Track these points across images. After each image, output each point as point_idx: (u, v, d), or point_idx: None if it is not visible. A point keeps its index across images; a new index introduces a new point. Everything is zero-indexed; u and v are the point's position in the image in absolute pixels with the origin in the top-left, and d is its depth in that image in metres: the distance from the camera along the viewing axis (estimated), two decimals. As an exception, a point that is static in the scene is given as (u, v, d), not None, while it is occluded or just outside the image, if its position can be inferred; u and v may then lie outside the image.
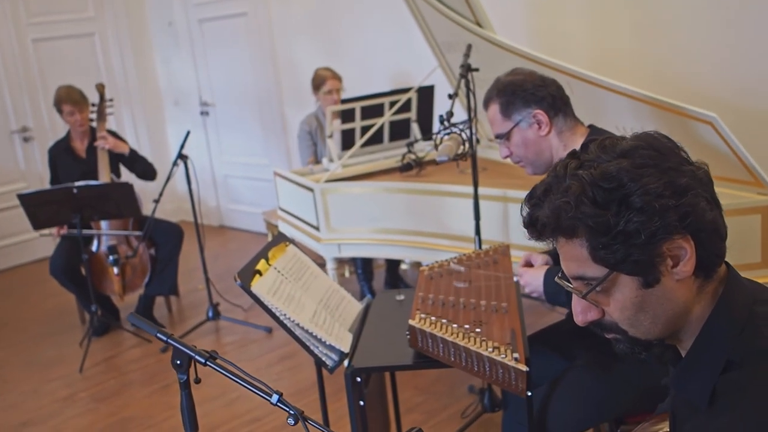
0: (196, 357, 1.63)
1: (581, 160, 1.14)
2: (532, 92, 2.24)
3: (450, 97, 2.76)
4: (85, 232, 4.40)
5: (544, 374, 2.36)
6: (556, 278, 1.29)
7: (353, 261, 4.78)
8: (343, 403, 2.95)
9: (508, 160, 3.97)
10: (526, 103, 2.25)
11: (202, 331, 4.61)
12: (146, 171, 4.80)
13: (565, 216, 1.11)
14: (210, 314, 4.68)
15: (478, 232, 3.10)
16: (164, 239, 4.66)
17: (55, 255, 4.61)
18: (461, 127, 2.68)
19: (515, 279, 2.42)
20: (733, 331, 1.12)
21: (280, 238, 2.59)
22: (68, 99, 4.58)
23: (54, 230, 4.56)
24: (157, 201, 4.31)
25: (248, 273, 2.30)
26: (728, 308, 1.14)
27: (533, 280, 2.28)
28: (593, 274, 1.14)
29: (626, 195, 1.07)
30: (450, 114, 2.63)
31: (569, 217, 1.11)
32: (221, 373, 1.63)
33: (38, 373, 4.32)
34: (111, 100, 4.83)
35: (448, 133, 2.61)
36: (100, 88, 4.77)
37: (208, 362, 1.63)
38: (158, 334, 1.66)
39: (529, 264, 2.39)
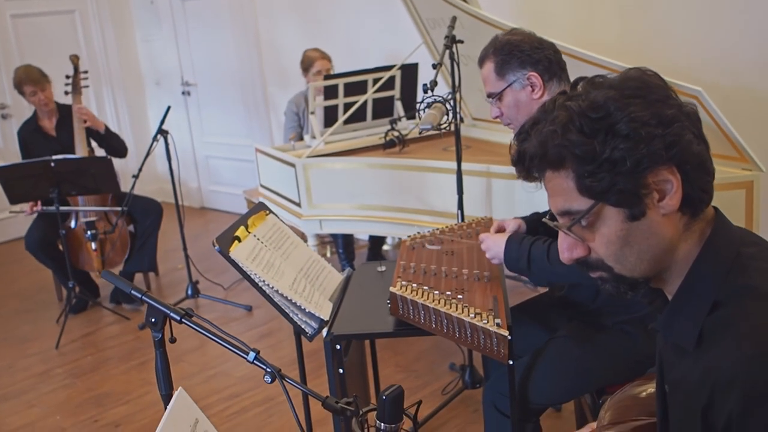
0: (171, 314, 1.59)
1: (570, 95, 1.12)
2: (528, 53, 2.20)
3: (434, 66, 2.73)
4: (63, 208, 4.33)
5: (525, 345, 2.34)
6: (543, 219, 1.26)
7: (334, 240, 4.75)
8: (323, 379, 2.92)
9: (492, 138, 4.01)
10: (521, 64, 2.21)
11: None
12: (118, 149, 4.72)
13: (552, 144, 1.10)
14: (189, 292, 4.63)
15: (461, 206, 3.07)
16: (143, 215, 4.60)
17: (30, 230, 4.54)
18: (445, 97, 2.64)
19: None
20: (720, 271, 1.10)
21: (260, 207, 2.54)
22: (28, 79, 4.49)
23: (27, 208, 4.47)
24: (136, 176, 4.26)
25: (227, 239, 2.25)
26: (715, 249, 1.12)
27: (494, 245, 2.23)
28: (579, 207, 1.12)
29: (613, 123, 1.07)
30: (434, 83, 2.59)
31: (556, 145, 1.09)
32: (197, 330, 1.60)
33: (13, 349, 4.26)
34: (86, 72, 4.74)
35: (431, 103, 2.57)
36: (74, 60, 4.68)
37: (183, 319, 1.59)
38: (132, 291, 1.62)
39: (501, 230, 2.36)
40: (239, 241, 2.29)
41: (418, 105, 2.59)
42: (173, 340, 1.68)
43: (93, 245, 4.33)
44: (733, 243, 1.13)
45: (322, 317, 2.23)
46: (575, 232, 1.15)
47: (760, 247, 1.15)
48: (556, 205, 1.16)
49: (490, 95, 2.31)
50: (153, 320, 1.61)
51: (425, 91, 2.60)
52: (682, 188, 1.09)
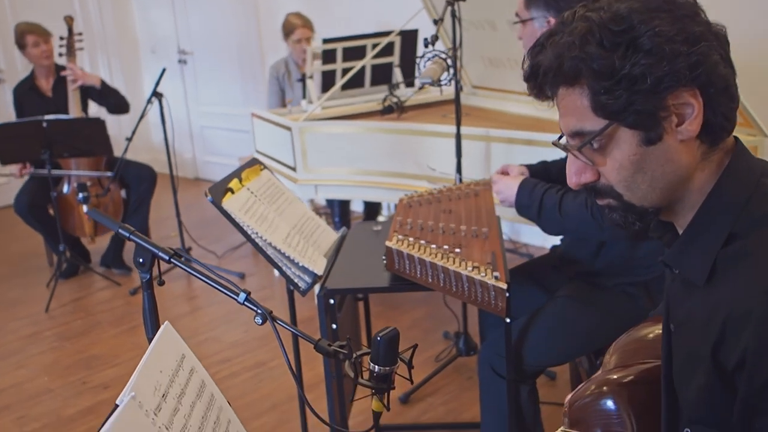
0: (159, 254, 1.53)
1: (591, 6, 1.05)
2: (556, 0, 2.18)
3: (435, 22, 2.67)
4: (55, 172, 4.26)
5: (523, 307, 2.29)
6: (552, 142, 1.19)
7: (330, 208, 4.69)
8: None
9: (492, 106, 3.94)
10: (546, 5, 2.19)
11: (172, 274, 4.49)
12: (119, 104, 4.62)
13: (569, 57, 1.02)
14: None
15: (459, 170, 3.01)
16: (136, 181, 4.53)
17: (20, 193, 4.47)
18: (445, 53, 2.58)
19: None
20: (738, 202, 1.04)
21: (254, 162, 2.48)
22: (31, 30, 4.41)
23: (15, 170, 4.40)
24: (129, 139, 4.19)
25: (219, 190, 2.19)
26: (734, 178, 1.06)
27: (506, 188, 2.22)
28: (592, 127, 1.06)
29: (635, 37, 0.99)
30: (435, 38, 2.53)
31: (572, 58, 1.02)
32: (186, 270, 1.54)
33: (2, 313, 4.20)
34: (80, 34, 4.66)
35: (432, 58, 2.51)
36: (69, 21, 4.59)
37: (172, 259, 1.53)
38: (120, 230, 1.55)
39: (504, 173, 2.34)
40: (232, 192, 2.24)
41: (417, 60, 2.53)
42: (161, 282, 1.62)
43: (85, 208, 4.26)
44: (753, 172, 1.07)
45: (315, 272, 2.18)
46: (585, 154, 1.09)
47: None
48: (568, 126, 1.09)
49: (517, 14, 2.29)
50: (141, 260, 1.55)
51: (426, 46, 2.54)
52: (703, 113, 1.02)
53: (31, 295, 4.42)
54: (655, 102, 1.01)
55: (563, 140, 1.15)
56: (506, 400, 2.07)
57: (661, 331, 1.24)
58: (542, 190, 2.13)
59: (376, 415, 1.43)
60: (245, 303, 1.49)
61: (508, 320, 1.99)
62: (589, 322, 2.14)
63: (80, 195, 4.20)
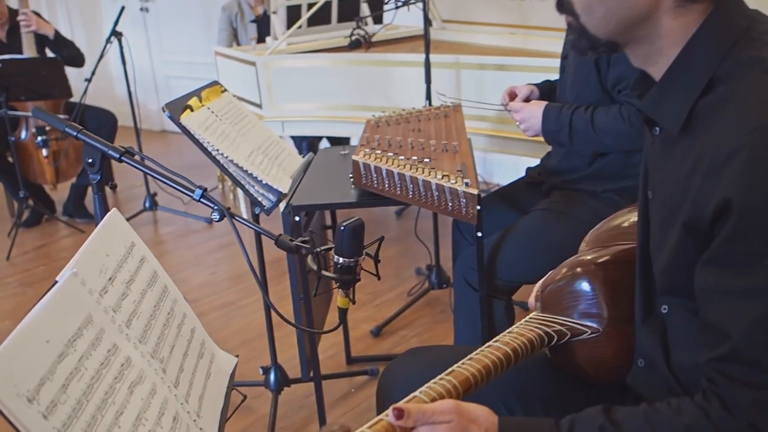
0: (109, 152, 1.45)
1: None
2: None
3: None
4: (11, 113, 4.10)
5: (497, 227, 2.24)
6: None
7: (298, 149, 4.59)
8: (285, 285, 2.80)
9: (462, 39, 3.85)
10: None
11: (139, 221, 4.39)
12: (74, 56, 4.45)
13: None
14: (147, 204, 4.46)
15: (428, 96, 2.93)
16: (96, 125, 4.36)
17: (-25, 139, 4.31)
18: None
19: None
20: (723, 44, 0.97)
21: (215, 83, 2.38)
22: None
23: None
24: (89, 80, 4.04)
25: (178, 106, 2.09)
26: (721, 20, 0.98)
27: (530, 116, 2.14)
28: None
29: None
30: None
31: None
32: (137, 168, 1.45)
33: (-39, 261, 4.08)
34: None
35: (403, 4, 2.42)
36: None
37: (122, 157, 1.45)
38: (66, 129, 1.46)
39: (514, 95, 2.25)
40: (191, 110, 2.14)
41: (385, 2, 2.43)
42: (113, 186, 1.54)
43: (44, 152, 4.12)
44: (744, 16, 1.00)
45: (280, 190, 2.09)
46: None
47: None
48: None
49: None
50: (90, 161, 1.47)
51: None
52: None
53: (-9, 244, 4.30)
54: None
55: None
56: (479, 313, 2.02)
57: (636, 219, 1.18)
58: (569, 112, 2.06)
59: (342, 312, 1.37)
60: (201, 200, 1.41)
61: (479, 234, 1.94)
62: (566, 234, 2.07)
63: (39, 139, 4.07)
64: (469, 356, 1.12)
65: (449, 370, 1.08)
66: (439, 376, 1.06)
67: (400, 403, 0.96)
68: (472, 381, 1.06)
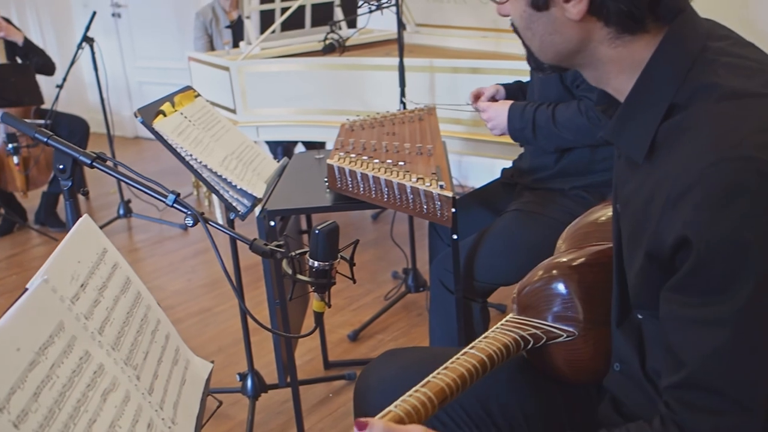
0: (81, 158, 1.43)
1: None
2: None
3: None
4: (-19, 121, 4.04)
5: (473, 228, 2.25)
6: None
7: (274, 155, 4.58)
8: (261, 290, 2.79)
9: (436, 43, 3.86)
10: None
11: (113, 228, 4.35)
12: (44, 63, 4.40)
13: None
14: (121, 211, 4.42)
15: (403, 100, 2.94)
16: (68, 132, 4.32)
17: (-55, 147, 4.25)
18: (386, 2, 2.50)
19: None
20: (680, 69, 0.97)
21: (188, 88, 2.37)
22: None
23: None
24: (60, 87, 4.00)
25: (150, 112, 2.08)
26: (676, 43, 0.98)
27: (497, 115, 2.21)
28: None
29: None
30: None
31: None
32: (109, 174, 1.44)
33: (-68, 271, 4.02)
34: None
35: (376, 8, 2.42)
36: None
37: (94, 163, 1.43)
38: (36, 134, 1.44)
39: (479, 95, 2.32)
40: (164, 115, 2.12)
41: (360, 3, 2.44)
42: (85, 193, 1.53)
43: (15, 159, 4.07)
44: (698, 37, 0.99)
45: (255, 195, 2.08)
46: None
47: (732, 40, 1.01)
48: None
49: None
50: (61, 167, 1.45)
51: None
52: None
53: (-38, 253, 4.24)
54: None
55: None
56: (455, 315, 2.03)
57: (612, 213, 1.19)
58: (533, 109, 2.13)
59: (318, 316, 1.37)
60: (174, 205, 1.40)
61: (455, 237, 1.94)
62: (537, 233, 2.10)
63: (10, 146, 4.02)
64: (444, 365, 1.12)
65: (424, 381, 1.08)
66: (414, 388, 1.05)
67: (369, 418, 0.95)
68: (448, 392, 1.06)
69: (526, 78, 2.45)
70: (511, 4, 1.06)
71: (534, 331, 1.25)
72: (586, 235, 1.35)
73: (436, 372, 1.10)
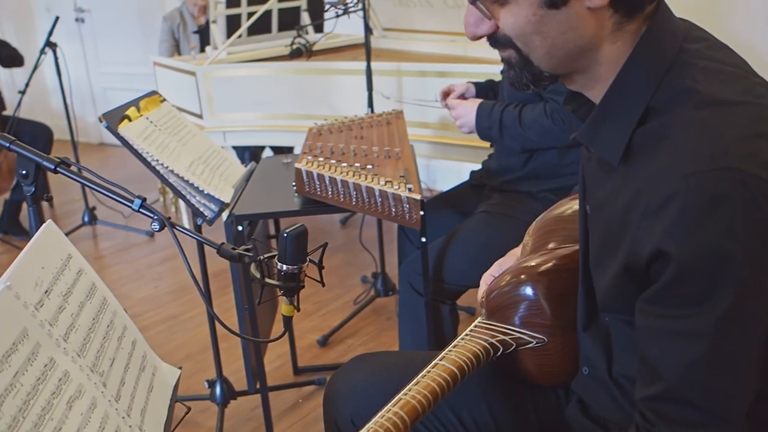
0: (44, 163, 1.40)
1: None
2: None
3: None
4: (-59, 127, 3.98)
5: (441, 231, 2.25)
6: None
7: (241, 160, 4.55)
8: (229, 297, 2.76)
9: (403, 48, 3.87)
10: None
11: (78, 235, 4.29)
12: (12, 55, 4.33)
13: None
14: (86, 218, 4.36)
15: (370, 104, 2.94)
16: (31, 138, 4.25)
17: None
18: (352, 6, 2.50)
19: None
20: (656, 71, 0.95)
21: (154, 92, 2.35)
22: None
23: None
24: (23, 92, 3.93)
25: (115, 117, 2.06)
26: (652, 44, 0.97)
27: (465, 113, 2.24)
28: None
29: None
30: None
31: None
32: (74, 179, 1.42)
33: None
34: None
35: (343, 12, 2.43)
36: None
37: (58, 168, 1.41)
38: (-2, 140, 1.42)
39: (449, 93, 2.36)
40: (129, 120, 2.10)
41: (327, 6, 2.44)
42: (49, 199, 1.50)
43: (-24, 167, 4.01)
44: (675, 38, 0.97)
45: (222, 199, 2.07)
46: (484, 4, 0.99)
47: (708, 43, 1.00)
48: None
49: None
50: (24, 172, 1.42)
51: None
52: None
53: None
54: None
55: None
56: (424, 317, 2.03)
57: (578, 208, 1.19)
58: (500, 109, 2.16)
59: (287, 320, 1.36)
60: (140, 210, 1.38)
61: (423, 239, 1.94)
62: (505, 234, 2.10)
63: (-30, 153, 3.94)
64: (415, 380, 1.12)
65: (396, 399, 1.07)
66: (386, 407, 1.05)
67: None
68: (420, 409, 1.06)
69: (497, 79, 2.49)
70: (510, 14, 0.98)
71: (503, 337, 1.25)
72: (551, 232, 1.35)
73: (407, 388, 1.10)
